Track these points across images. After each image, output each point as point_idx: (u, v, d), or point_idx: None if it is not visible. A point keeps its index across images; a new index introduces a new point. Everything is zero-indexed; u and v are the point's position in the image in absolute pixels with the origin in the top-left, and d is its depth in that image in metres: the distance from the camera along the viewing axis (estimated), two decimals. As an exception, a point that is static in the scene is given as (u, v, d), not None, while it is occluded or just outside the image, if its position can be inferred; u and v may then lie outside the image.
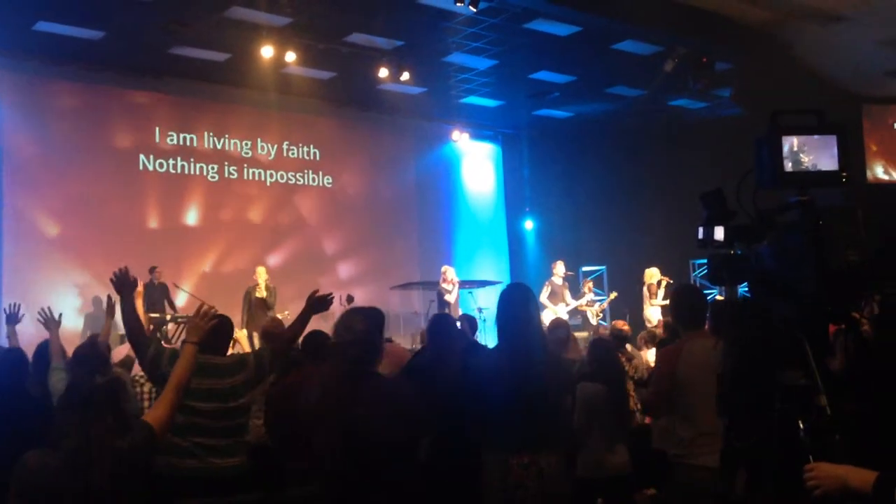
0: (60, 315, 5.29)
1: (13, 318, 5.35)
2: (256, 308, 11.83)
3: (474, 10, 10.71)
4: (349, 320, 3.44)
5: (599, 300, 14.05)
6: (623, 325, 8.71)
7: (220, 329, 4.72)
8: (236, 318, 11.13)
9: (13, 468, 2.88)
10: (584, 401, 5.27)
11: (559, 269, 13.48)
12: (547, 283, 13.42)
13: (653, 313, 12.75)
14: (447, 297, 12.70)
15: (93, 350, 4.74)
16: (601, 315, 13.56)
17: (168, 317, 11.47)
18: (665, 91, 13.94)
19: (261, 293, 11.88)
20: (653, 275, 13.10)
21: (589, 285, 14.15)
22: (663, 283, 13.00)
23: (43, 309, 5.20)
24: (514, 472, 3.89)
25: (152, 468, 3.72)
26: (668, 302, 12.53)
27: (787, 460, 2.31)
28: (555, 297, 13.25)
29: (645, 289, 13.17)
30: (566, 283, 13.61)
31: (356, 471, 3.05)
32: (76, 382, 3.19)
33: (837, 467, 2.19)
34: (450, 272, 12.50)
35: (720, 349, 3.23)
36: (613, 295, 13.76)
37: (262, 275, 11.91)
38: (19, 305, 5.50)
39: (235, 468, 4.25)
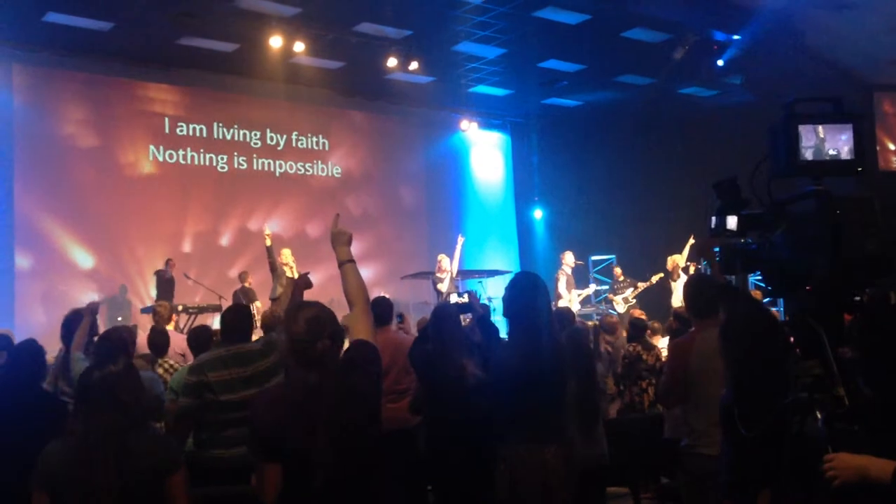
0: (97, 303, 5.37)
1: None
2: (290, 287, 11.50)
3: (483, -2, 10.68)
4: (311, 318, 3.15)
5: (629, 287, 13.63)
6: (641, 314, 8.70)
7: (241, 315, 4.74)
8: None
9: (37, 460, 2.89)
10: None
11: (568, 258, 13.41)
12: (560, 272, 13.34)
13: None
14: (439, 286, 12.68)
15: (111, 338, 4.74)
16: (632, 301, 13.20)
17: (180, 307, 11.48)
18: (675, 79, 13.87)
19: (293, 274, 11.57)
20: (675, 260, 12.93)
21: (617, 271, 13.87)
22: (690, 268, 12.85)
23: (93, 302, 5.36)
24: (541, 462, 3.88)
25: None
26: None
27: (802, 451, 2.30)
28: (570, 286, 13.19)
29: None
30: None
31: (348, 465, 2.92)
32: (91, 373, 3.18)
33: (856, 457, 2.18)
34: (444, 261, 12.47)
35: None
36: (657, 277, 12.85)
37: (288, 256, 11.68)
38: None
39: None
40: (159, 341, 6.26)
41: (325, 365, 2.74)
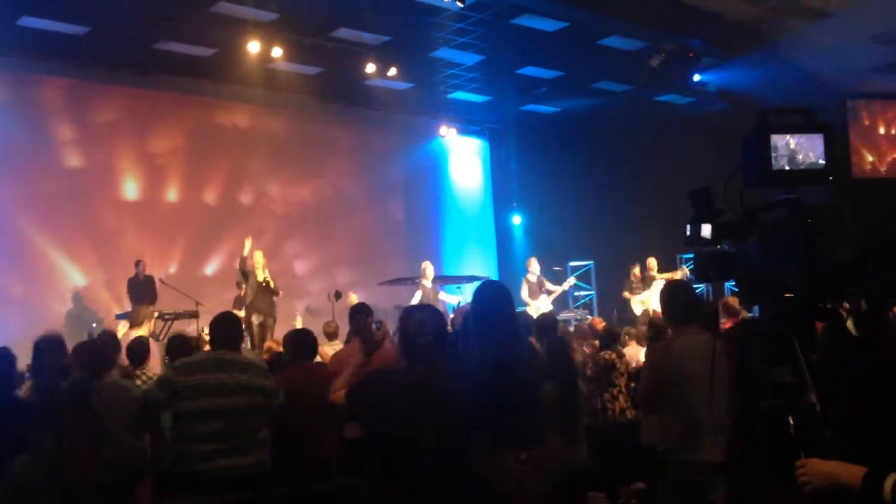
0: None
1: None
2: (260, 292, 11.46)
3: (461, 5, 10.70)
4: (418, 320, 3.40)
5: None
6: (600, 322, 8.78)
7: (229, 324, 4.71)
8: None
9: (2, 474, 2.85)
10: (544, 397, 5.29)
11: (534, 266, 13.41)
12: (524, 280, 13.39)
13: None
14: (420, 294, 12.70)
15: (93, 350, 4.68)
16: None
17: (156, 314, 11.39)
18: (651, 86, 13.98)
19: (262, 276, 11.48)
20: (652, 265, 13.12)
21: (636, 271, 13.88)
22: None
23: None
24: (509, 468, 3.88)
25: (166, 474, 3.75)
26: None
27: (777, 457, 2.33)
28: (533, 294, 13.20)
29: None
30: (542, 279, 13.54)
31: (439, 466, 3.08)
32: (45, 385, 3.13)
33: (827, 464, 2.21)
34: (429, 269, 12.56)
35: (718, 347, 3.25)
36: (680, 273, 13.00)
37: (259, 258, 11.60)
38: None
39: (250, 467, 4.25)
40: (139, 350, 6.06)
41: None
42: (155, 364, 6.43)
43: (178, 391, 4.34)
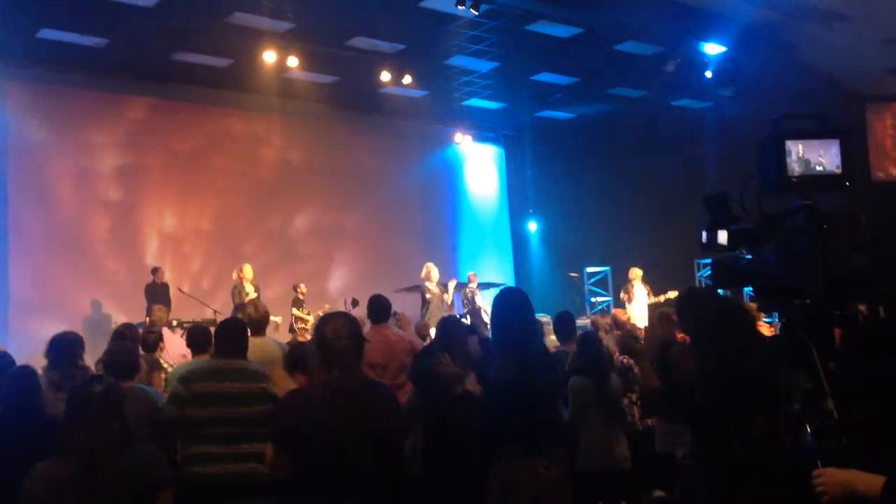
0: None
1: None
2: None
3: (476, 13, 10.71)
4: (335, 327, 3.39)
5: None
6: (624, 313, 8.78)
7: (236, 331, 4.74)
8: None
9: (24, 479, 2.87)
10: (576, 394, 5.31)
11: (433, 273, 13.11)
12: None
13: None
14: (427, 296, 12.68)
15: (121, 354, 4.76)
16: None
17: (174, 321, 11.45)
18: (667, 91, 13.94)
19: (252, 287, 11.60)
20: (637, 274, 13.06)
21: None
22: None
23: None
24: (534, 475, 3.89)
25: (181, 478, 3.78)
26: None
27: (795, 465, 2.32)
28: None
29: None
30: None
31: (385, 476, 3.10)
32: (75, 387, 3.16)
33: (844, 472, 2.19)
34: (433, 271, 12.56)
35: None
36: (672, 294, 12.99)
37: (250, 288, 11.72)
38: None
39: (257, 474, 4.24)
40: (149, 339, 6.35)
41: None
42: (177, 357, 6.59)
43: (183, 401, 4.39)
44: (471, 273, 13.56)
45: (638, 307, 12.58)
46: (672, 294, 12.50)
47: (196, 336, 5.78)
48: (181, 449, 4.46)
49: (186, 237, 13.89)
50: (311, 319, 12.13)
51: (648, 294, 12.81)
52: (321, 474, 3.02)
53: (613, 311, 10.74)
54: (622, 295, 13.25)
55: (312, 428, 3.08)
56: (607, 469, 5.34)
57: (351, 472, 3.03)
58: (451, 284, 13.34)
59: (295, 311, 12.34)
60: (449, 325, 5.09)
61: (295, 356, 4.99)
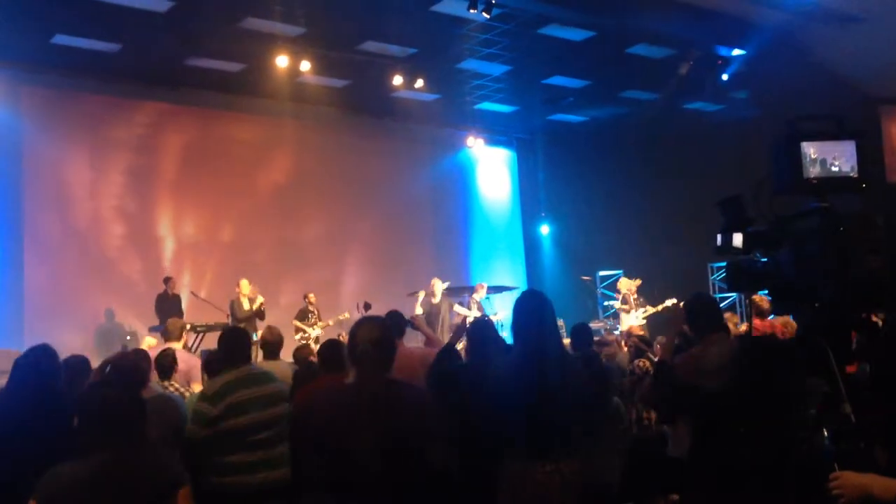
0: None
1: None
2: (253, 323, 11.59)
3: (487, 16, 10.72)
4: (365, 329, 3.43)
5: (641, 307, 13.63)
6: (639, 330, 8.73)
7: (240, 339, 4.76)
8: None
9: (42, 478, 2.89)
10: None
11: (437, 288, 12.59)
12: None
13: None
14: (418, 309, 12.46)
15: (133, 363, 4.74)
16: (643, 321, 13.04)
17: (188, 325, 11.48)
18: (680, 94, 13.89)
19: (253, 300, 11.65)
20: (629, 284, 13.03)
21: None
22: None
23: None
24: (536, 480, 3.86)
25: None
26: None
27: (810, 468, 2.29)
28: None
29: (622, 299, 13.05)
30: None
31: (394, 479, 3.10)
32: (95, 395, 3.18)
33: (861, 476, 2.17)
34: (437, 285, 12.40)
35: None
36: (671, 302, 12.45)
37: (246, 287, 11.75)
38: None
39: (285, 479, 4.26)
40: (165, 363, 6.15)
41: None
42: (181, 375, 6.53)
43: (215, 419, 4.36)
44: (479, 284, 13.43)
45: (635, 317, 12.60)
46: (670, 302, 12.53)
47: (212, 363, 5.75)
48: (216, 461, 4.42)
49: (199, 242, 13.94)
50: (313, 332, 12.13)
51: (635, 301, 12.81)
52: (330, 474, 3.03)
53: (629, 326, 10.73)
54: (620, 306, 13.26)
55: (324, 427, 3.08)
56: (601, 481, 5.26)
57: (357, 473, 3.03)
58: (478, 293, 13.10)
59: (297, 322, 12.29)
60: (482, 328, 5.04)
61: (326, 356, 5.03)
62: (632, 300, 13.06)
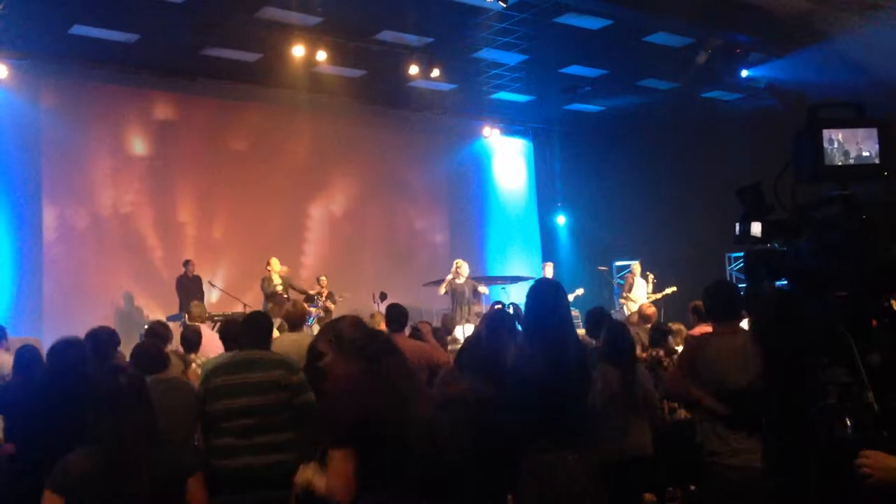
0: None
1: None
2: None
3: (504, 5, 10.68)
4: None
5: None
6: (649, 307, 8.77)
7: (260, 322, 4.77)
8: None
9: (55, 466, 2.92)
10: (604, 382, 5.24)
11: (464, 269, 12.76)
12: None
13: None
14: (446, 289, 12.60)
15: (154, 350, 4.83)
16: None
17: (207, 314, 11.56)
18: (698, 83, 13.80)
19: (280, 288, 11.78)
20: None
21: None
22: (650, 277, 13.39)
23: None
24: (566, 470, 3.87)
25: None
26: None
27: (831, 458, 2.28)
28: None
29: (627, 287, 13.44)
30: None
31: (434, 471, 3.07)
32: (100, 379, 3.20)
33: (892, 458, 2.16)
34: (463, 267, 12.52)
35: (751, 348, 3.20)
36: (670, 290, 13.17)
37: (277, 279, 11.91)
38: None
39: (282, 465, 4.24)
40: (192, 338, 6.40)
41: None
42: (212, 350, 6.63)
43: (202, 400, 4.45)
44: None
45: (637, 299, 12.76)
46: (670, 290, 12.98)
47: (228, 331, 5.82)
48: (206, 442, 4.49)
49: (216, 231, 14.01)
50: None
51: (650, 285, 13.11)
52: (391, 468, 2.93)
53: (640, 305, 10.71)
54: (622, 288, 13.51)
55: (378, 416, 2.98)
56: (626, 457, 5.26)
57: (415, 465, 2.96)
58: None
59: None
60: (500, 318, 5.02)
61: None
62: (635, 281, 13.44)
